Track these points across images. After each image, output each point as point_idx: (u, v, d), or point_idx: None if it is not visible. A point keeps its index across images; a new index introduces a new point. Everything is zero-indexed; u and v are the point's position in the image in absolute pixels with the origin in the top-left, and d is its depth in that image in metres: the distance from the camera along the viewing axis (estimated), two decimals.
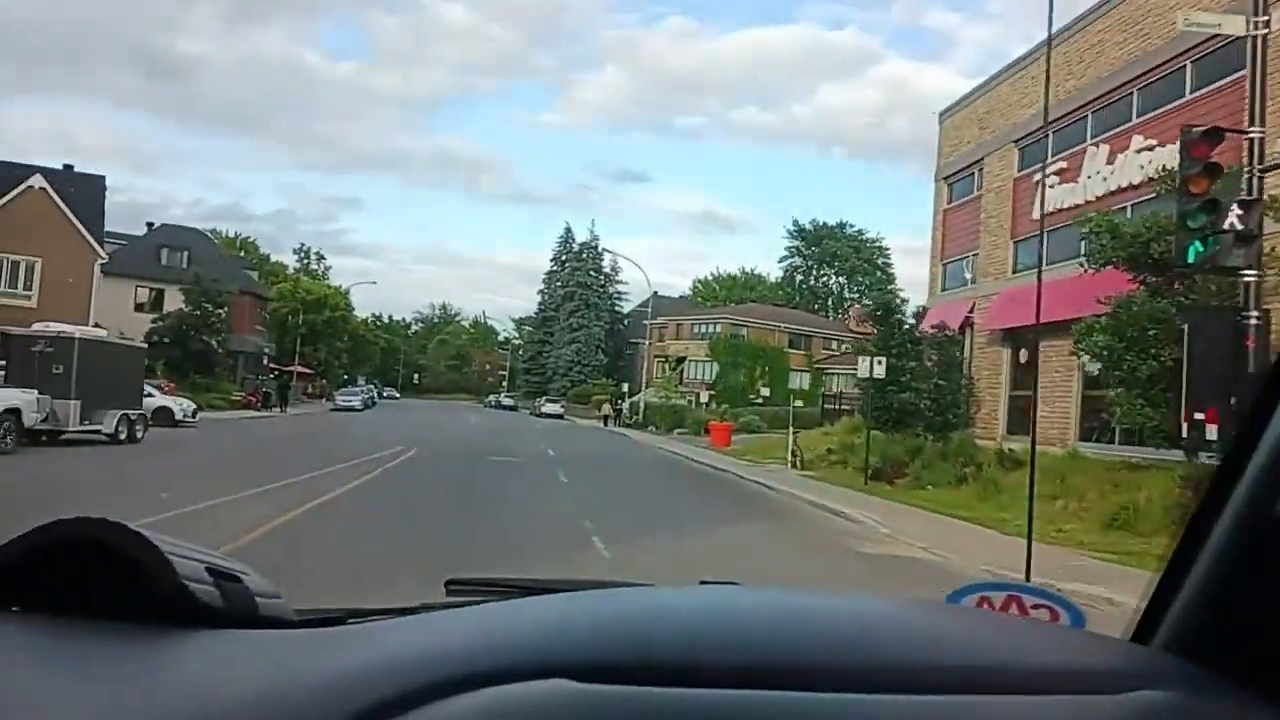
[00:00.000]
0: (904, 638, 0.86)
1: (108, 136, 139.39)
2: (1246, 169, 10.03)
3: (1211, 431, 9.39)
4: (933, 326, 22.78)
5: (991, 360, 22.60)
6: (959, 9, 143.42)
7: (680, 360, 70.98)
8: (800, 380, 74.07)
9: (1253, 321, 9.49)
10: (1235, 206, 9.32)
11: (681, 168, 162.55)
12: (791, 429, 26.08)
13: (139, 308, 50.50)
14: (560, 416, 67.14)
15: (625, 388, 68.61)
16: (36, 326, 21.22)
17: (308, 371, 70.94)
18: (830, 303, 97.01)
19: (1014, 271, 22.13)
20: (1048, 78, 10.49)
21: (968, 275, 24.04)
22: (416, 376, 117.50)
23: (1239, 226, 9.18)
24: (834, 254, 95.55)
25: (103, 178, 45.66)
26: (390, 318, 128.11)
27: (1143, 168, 16.63)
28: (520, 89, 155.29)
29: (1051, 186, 18.64)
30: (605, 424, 54.78)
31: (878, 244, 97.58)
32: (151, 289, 52.34)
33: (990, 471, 18.55)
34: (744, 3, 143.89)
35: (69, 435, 20.79)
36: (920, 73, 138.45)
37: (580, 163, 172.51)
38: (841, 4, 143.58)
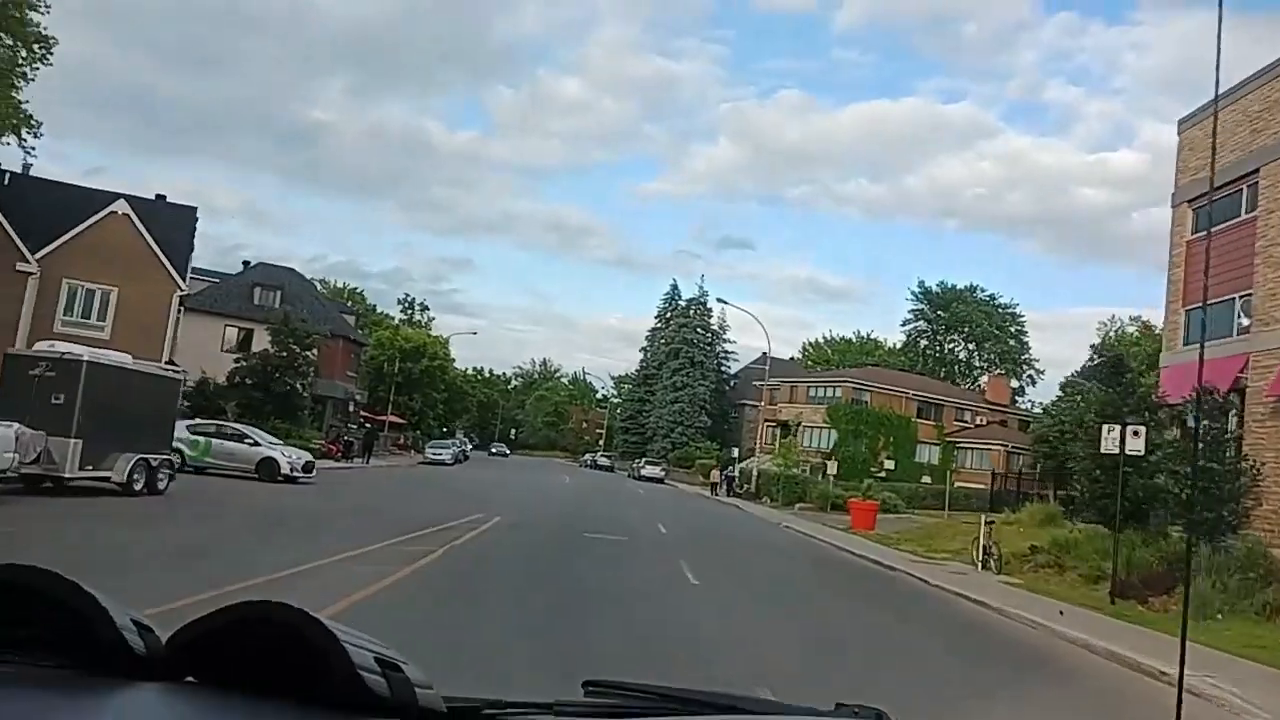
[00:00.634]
0: None
1: (237, 197, 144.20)
2: None
3: None
4: (1191, 391, 16.67)
5: (1277, 436, 16.40)
6: (1080, 83, 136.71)
7: (792, 426, 64.88)
8: (928, 454, 67.06)
9: None
10: None
11: (787, 237, 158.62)
12: (985, 517, 19.99)
13: (228, 348, 47.51)
14: (660, 480, 61.74)
15: (735, 452, 62.86)
16: (40, 345, 17.28)
17: (400, 421, 67.69)
18: (957, 370, 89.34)
19: None
20: None
21: (1242, 320, 17.79)
22: (514, 432, 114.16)
23: None
24: (963, 319, 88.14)
25: (194, 209, 43.24)
26: (490, 372, 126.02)
27: None
28: (630, 159, 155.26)
29: None
30: (713, 492, 49.09)
31: (1011, 310, 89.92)
32: (240, 329, 49.53)
33: None
34: (858, 75, 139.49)
35: (78, 481, 16.65)
36: (1039, 147, 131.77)
37: (685, 230, 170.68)
38: (957, 77, 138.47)
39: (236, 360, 43.28)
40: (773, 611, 12.23)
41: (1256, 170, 17.67)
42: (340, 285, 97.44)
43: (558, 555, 14.78)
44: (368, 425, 49.41)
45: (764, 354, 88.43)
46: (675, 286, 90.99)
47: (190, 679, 0.97)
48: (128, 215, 36.76)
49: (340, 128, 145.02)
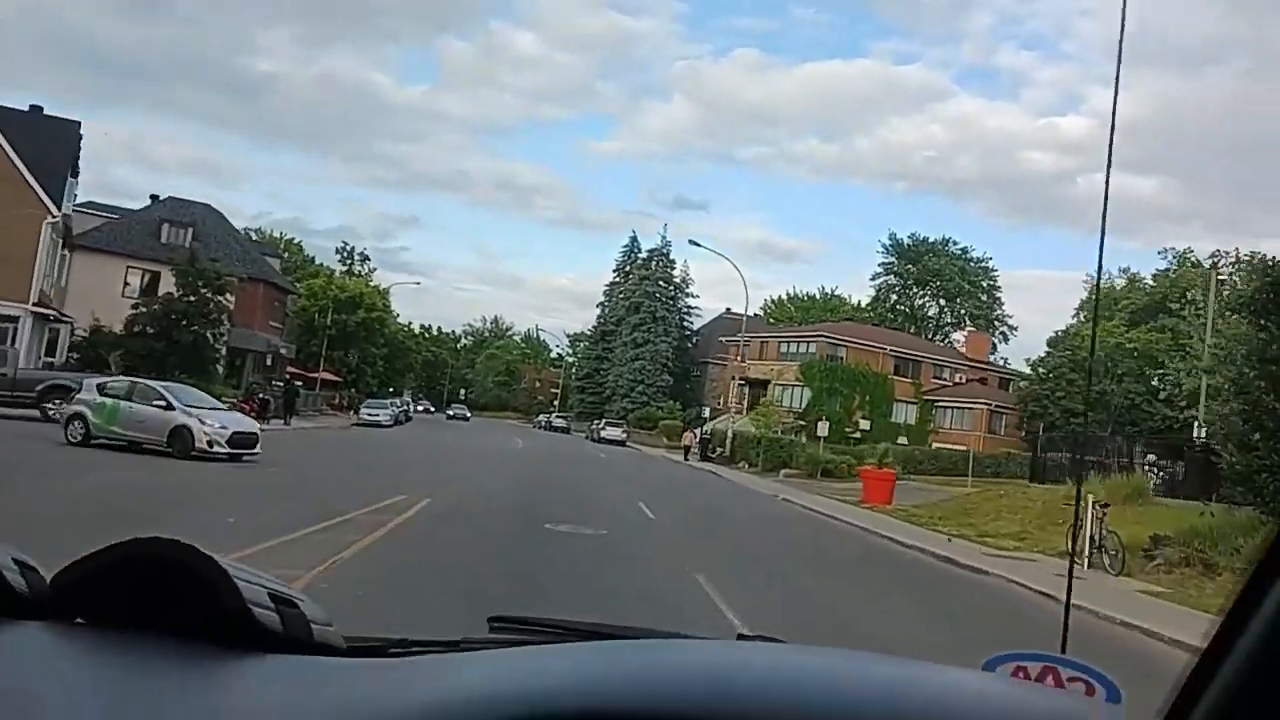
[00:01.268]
0: (933, 705, 0.83)
1: (181, 149, 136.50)
2: None
3: None
4: None
5: None
6: (1032, 48, 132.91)
7: (760, 383, 60.14)
8: (905, 413, 62.87)
9: None
10: None
11: (741, 198, 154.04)
12: (1081, 491, 15.04)
13: (130, 294, 40.95)
14: (622, 443, 56.66)
15: (706, 413, 57.99)
16: None
17: (335, 379, 61.53)
18: (927, 327, 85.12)
19: None
20: None
21: None
22: (463, 392, 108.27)
23: None
24: (935, 272, 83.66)
25: (77, 123, 36.57)
26: (439, 329, 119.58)
27: None
28: (584, 116, 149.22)
29: None
30: (685, 456, 44.12)
31: (984, 264, 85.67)
32: (145, 271, 43.01)
33: None
34: (815, 34, 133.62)
35: None
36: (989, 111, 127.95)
37: (639, 190, 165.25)
38: (913, 40, 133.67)
39: (134, 306, 37.03)
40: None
41: None
42: (277, 235, 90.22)
43: (506, 572, 9.44)
44: (288, 381, 43.29)
45: (727, 309, 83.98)
46: (635, 239, 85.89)
47: (78, 620, 0.92)
48: None
49: (287, 78, 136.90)
